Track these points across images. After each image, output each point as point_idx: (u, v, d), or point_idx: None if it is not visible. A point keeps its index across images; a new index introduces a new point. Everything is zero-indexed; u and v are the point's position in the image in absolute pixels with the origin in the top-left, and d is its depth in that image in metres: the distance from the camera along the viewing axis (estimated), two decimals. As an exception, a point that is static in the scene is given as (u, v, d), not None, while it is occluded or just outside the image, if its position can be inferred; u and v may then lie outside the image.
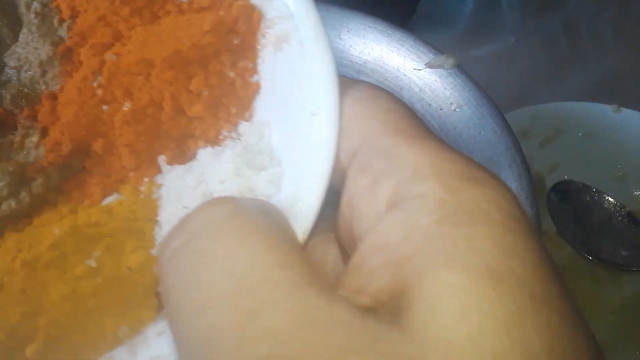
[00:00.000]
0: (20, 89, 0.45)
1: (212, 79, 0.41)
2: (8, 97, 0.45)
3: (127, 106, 0.41)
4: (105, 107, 0.42)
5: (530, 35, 0.94)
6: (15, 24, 0.47)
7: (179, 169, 0.41)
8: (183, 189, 0.39)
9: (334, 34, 0.64)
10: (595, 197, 0.78)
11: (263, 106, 0.41)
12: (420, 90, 0.62)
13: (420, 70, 0.62)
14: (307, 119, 0.35)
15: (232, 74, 0.42)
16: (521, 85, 0.88)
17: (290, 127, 0.37)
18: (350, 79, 0.35)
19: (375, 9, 0.73)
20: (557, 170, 0.81)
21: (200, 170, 0.39)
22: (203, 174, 0.39)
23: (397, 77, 0.63)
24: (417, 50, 0.63)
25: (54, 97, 0.44)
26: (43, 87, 0.45)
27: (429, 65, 0.60)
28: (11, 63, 0.45)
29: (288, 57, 0.39)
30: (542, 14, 0.97)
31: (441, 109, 0.63)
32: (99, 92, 0.42)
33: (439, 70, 0.62)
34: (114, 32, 0.43)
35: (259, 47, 0.42)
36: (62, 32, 0.44)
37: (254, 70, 0.42)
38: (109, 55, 0.42)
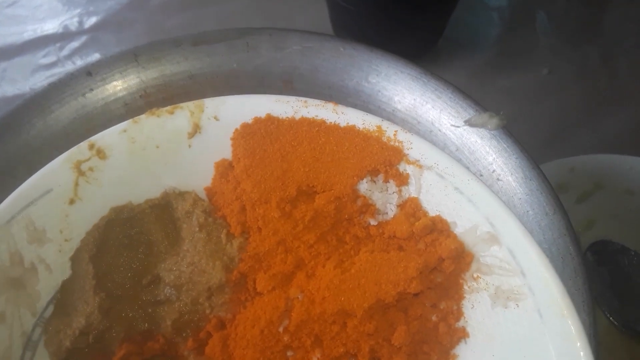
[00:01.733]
0: (183, 313, 0.40)
1: (414, 325, 0.37)
2: (169, 322, 0.40)
3: (316, 357, 0.36)
4: (290, 354, 0.37)
5: (565, 65, 0.82)
6: (170, 231, 0.42)
7: None
8: None
9: (361, 76, 0.56)
10: (634, 262, 0.67)
11: (474, 362, 0.36)
12: (457, 149, 0.53)
13: (458, 127, 0.54)
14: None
15: (434, 318, 0.37)
16: (554, 123, 0.78)
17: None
18: None
19: (400, 34, 0.69)
20: (594, 228, 0.71)
21: None
22: None
23: (431, 131, 0.54)
24: (455, 104, 0.54)
25: (222, 325, 0.40)
26: (208, 312, 0.40)
27: (469, 124, 0.51)
28: (169, 279, 0.41)
29: (516, 320, 0.34)
30: (577, 41, 0.86)
31: (481, 175, 0.55)
32: (285, 338, 0.37)
33: (480, 129, 0.53)
34: (296, 260, 0.38)
35: (466, 287, 0.37)
36: (232, 250, 0.40)
37: (459, 313, 0.37)
38: (294, 293, 0.37)
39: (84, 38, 0.84)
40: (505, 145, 0.52)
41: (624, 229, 0.70)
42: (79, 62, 0.82)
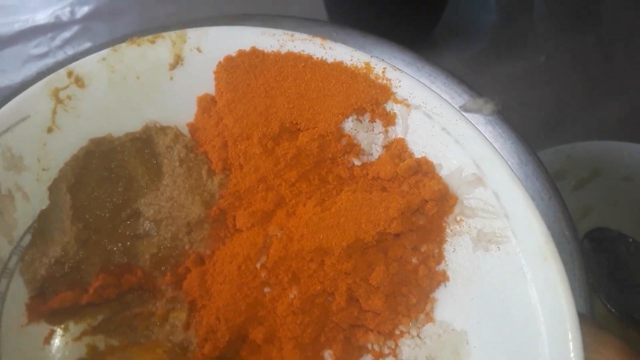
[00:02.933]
0: (162, 247, 0.39)
1: (393, 267, 0.36)
2: (147, 256, 0.40)
3: (293, 294, 0.36)
4: (267, 290, 0.37)
5: (562, 52, 0.82)
6: (151, 166, 0.41)
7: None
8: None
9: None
10: (632, 249, 0.67)
11: (453, 307, 0.36)
12: (452, 136, 0.52)
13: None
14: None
15: (414, 260, 0.37)
16: (551, 110, 0.78)
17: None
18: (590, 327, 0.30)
19: (397, 20, 0.67)
20: (592, 215, 0.71)
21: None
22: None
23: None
24: (450, 89, 0.53)
25: (200, 261, 0.39)
26: (187, 247, 0.39)
27: (464, 109, 0.47)
28: (148, 213, 0.40)
29: (497, 263, 0.33)
30: (574, 28, 0.84)
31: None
32: (263, 274, 0.36)
33: (475, 115, 0.53)
34: (277, 198, 0.38)
35: (448, 231, 0.36)
36: (212, 186, 0.39)
37: (440, 257, 0.36)
38: (273, 230, 0.37)
39: (75, 28, 0.82)
40: (500, 131, 0.52)
41: (622, 216, 0.70)
42: (71, 53, 0.79)
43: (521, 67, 0.81)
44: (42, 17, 0.84)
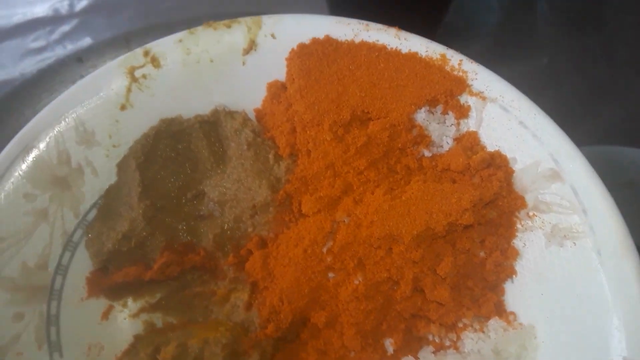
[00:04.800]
0: (225, 228, 0.40)
1: (460, 259, 0.35)
2: (211, 236, 0.40)
3: (358, 280, 0.36)
4: (331, 275, 0.36)
5: (565, 54, 0.80)
6: (217, 149, 0.42)
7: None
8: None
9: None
10: None
11: (520, 301, 0.35)
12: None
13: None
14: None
15: (482, 254, 0.36)
16: (553, 113, 0.80)
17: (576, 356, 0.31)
18: None
19: (400, 20, 0.68)
20: None
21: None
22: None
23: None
24: None
25: (263, 244, 0.39)
26: (250, 230, 0.39)
27: None
28: (213, 194, 0.40)
29: (571, 259, 0.33)
30: (577, 30, 0.83)
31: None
32: (328, 259, 0.36)
33: None
34: (344, 185, 0.38)
35: (519, 226, 0.36)
36: (279, 171, 0.39)
37: (508, 251, 0.36)
38: (340, 217, 0.37)
39: (74, 21, 0.79)
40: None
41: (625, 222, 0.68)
42: (70, 47, 0.76)
43: (523, 69, 0.78)
44: (40, 10, 0.81)
